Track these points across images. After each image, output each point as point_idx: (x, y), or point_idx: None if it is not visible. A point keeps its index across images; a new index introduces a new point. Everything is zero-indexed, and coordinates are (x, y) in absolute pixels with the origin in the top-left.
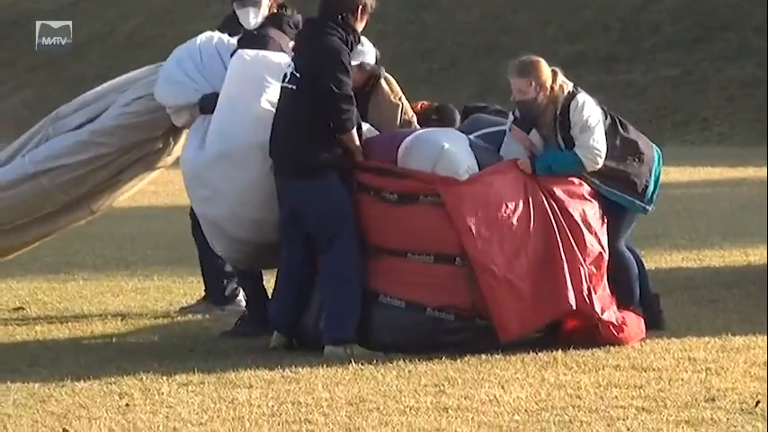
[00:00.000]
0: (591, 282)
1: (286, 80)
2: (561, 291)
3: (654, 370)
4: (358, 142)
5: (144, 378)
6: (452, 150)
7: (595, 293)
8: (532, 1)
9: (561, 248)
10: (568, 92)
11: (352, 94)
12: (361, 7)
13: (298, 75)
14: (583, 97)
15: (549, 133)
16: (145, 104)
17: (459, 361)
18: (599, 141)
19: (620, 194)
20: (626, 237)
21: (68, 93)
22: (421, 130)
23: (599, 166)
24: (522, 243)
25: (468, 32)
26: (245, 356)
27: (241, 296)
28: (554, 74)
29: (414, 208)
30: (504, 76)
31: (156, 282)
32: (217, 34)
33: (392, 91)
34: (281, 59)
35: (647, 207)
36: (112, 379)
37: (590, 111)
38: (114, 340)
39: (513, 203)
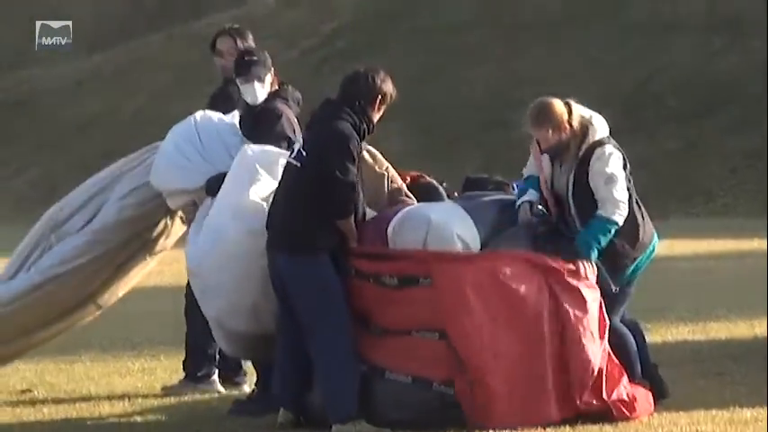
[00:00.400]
0: (601, 372)
1: (292, 155)
2: (545, 401)
3: None
4: (354, 228)
5: None
6: (440, 221)
7: (605, 382)
8: (536, 76)
9: (565, 341)
10: (596, 140)
11: (356, 181)
12: (380, 97)
13: (304, 153)
14: (611, 149)
15: (570, 165)
16: (143, 194)
17: None
18: (622, 193)
19: (599, 266)
20: (621, 312)
21: (73, 172)
22: (408, 206)
23: (623, 219)
24: (513, 333)
25: (473, 108)
26: None
27: (215, 378)
28: (569, 108)
29: (415, 290)
30: (508, 151)
31: (162, 362)
32: (216, 114)
33: (376, 162)
34: (280, 157)
35: (614, 287)
36: None
37: (615, 164)
38: (122, 421)
39: (513, 291)
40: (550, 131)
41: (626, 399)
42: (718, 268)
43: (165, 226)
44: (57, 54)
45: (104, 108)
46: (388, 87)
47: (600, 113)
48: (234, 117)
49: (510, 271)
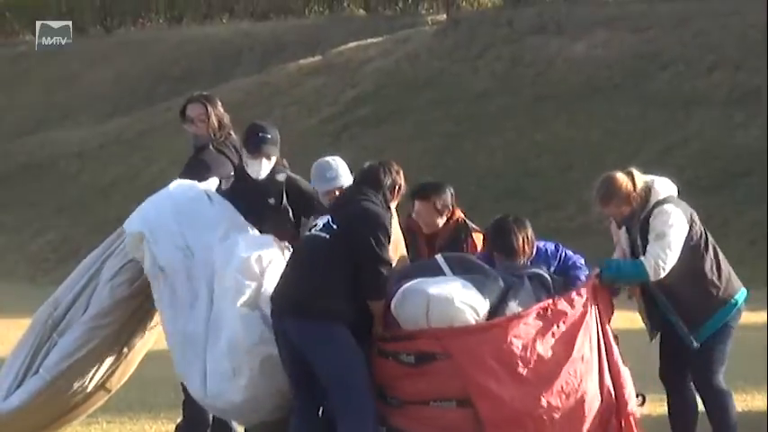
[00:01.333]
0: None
1: (316, 228)
2: None
3: None
4: (383, 312)
5: None
6: (440, 295)
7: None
8: (555, 146)
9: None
10: (657, 200)
11: (389, 261)
12: (397, 188)
13: (335, 226)
14: (669, 208)
15: (637, 230)
16: (132, 270)
17: None
18: (667, 252)
19: (676, 319)
20: (721, 371)
21: (93, 235)
22: (406, 283)
23: (661, 276)
24: (539, 394)
25: (492, 176)
26: None
27: None
28: (631, 179)
29: (432, 366)
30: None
31: None
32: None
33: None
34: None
35: (695, 343)
36: None
37: (670, 221)
38: None
39: (531, 350)
40: (619, 206)
41: None
42: (737, 339)
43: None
44: (79, 118)
45: (125, 172)
46: (402, 180)
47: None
48: (209, 184)
49: (524, 330)
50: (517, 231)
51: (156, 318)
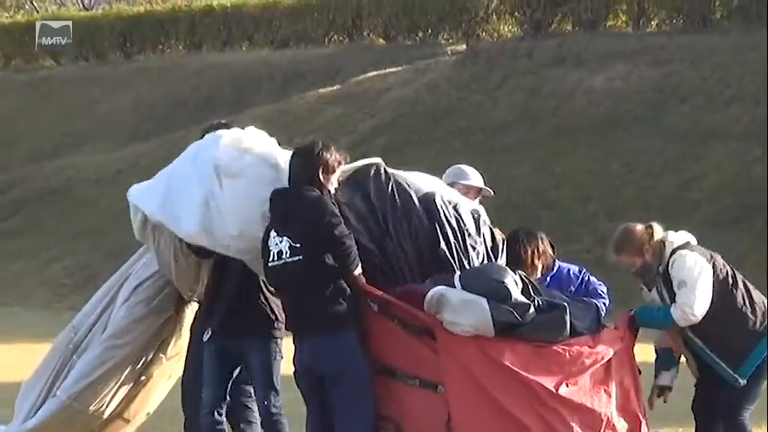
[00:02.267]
0: None
1: (284, 256)
2: None
3: None
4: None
5: None
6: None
7: None
8: (574, 178)
9: None
10: (672, 249)
11: (349, 231)
12: (324, 167)
13: (298, 245)
14: (684, 253)
15: (659, 290)
16: (149, 290)
17: None
18: (693, 298)
19: (717, 361)
20: (749, 410)
21: (110, 260)
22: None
23: (691, 323)
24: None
25: (509, 207)
26: None
27: None
28: (650, 232)
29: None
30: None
31: None
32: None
33: None
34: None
35: (740, 380)
36: None
37: (687, 265)
38: None
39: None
40: (631, 256)
41: None
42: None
43: (177, 325)
44: (97, 143)
45: None
46: (333, 155)
47: (637, 218)
48: None
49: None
50: (526, 243)
51: (179, 345)
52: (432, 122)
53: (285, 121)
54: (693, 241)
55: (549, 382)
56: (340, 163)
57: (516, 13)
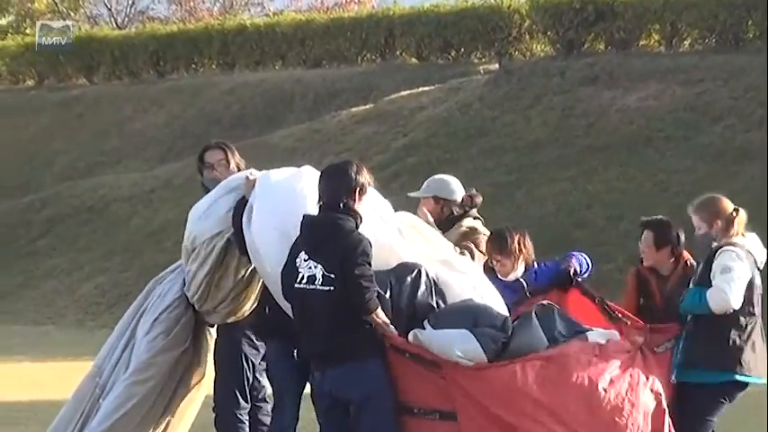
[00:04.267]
0: None
1: (317, 283)
2: None
3: None
4: (384, 317)
5: None
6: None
7: None
8: (606, 197)
9: None
10: (730, 241)
11: (372, 275)
12: (358, 189)
13: (332, 276)
14: (740, 253)
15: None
16: (167, 320)
17: None
18: (732, 287)
19: (677, 351)
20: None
21: (143, 278)
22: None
23: (725, 310)
24: None
25: (542, 226)
26: None
27: None
28: (732, 215)
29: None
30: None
31: None
32: None
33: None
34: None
35: (673, 375)
36: None
37: (736, 259)
38: None
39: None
40: (702, 220)
41: None
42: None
43: (196, 352)
44: (130, 162)
45: (176, 217)
46: (365, 177)
47: None
48: None
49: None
50: (513, 233)
51: (200, 372)
52: (464, 141)
53: (317, 140)
54: (761, 258)
55: (558, 396)
56: (370, 184)
57: (549, 33)
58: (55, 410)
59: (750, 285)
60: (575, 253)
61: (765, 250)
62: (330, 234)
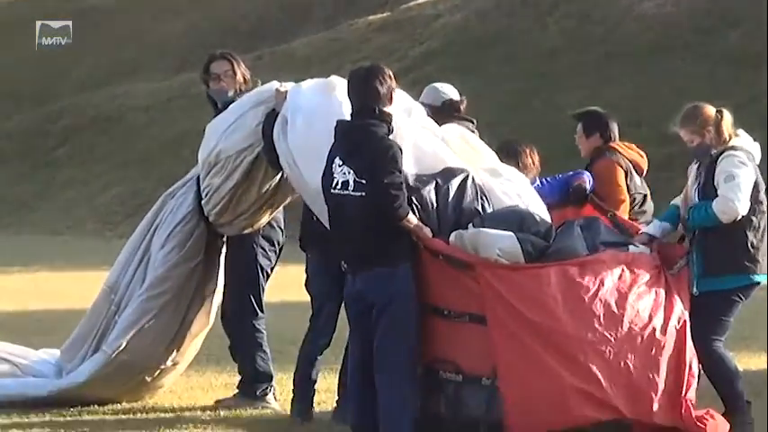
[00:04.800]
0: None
1: (349, 188)
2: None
3: None
4: (416, 221)
5: None
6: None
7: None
8: (624, 104)
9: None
10: (732, 146)
11: (402, 182)
12: (389, 93)
13: (363, 181)
14: (741, 157)
15: (698, 173)
16: (181, 233)
17: None
18: (738, 194)
19: (692, 263)
20: (723, 339)
21: (161, 188)
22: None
23: (733, 218)
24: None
25: (561, 133)
26: None
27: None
28: (719, 116)
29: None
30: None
31: None
32: None
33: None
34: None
35: (695, 287)
36: None
37: (738, 164)
38: None
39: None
40: (691, 132)
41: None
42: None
43: (209, 265)
44: (148, 72)
45: (192, 125)
46: (394, 83)
47: (685, 145)
48: None
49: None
50: (522, 146)
51: (213, 282)
52: (481, 49)
53: (335, 49)
54: (757, 155)
55: (587, 303)
56: (395, 89)
57: None
58: (74, 319)
59: (755, 185)
60: (582, 171)
61: (758, 144)
62: (362, 140)
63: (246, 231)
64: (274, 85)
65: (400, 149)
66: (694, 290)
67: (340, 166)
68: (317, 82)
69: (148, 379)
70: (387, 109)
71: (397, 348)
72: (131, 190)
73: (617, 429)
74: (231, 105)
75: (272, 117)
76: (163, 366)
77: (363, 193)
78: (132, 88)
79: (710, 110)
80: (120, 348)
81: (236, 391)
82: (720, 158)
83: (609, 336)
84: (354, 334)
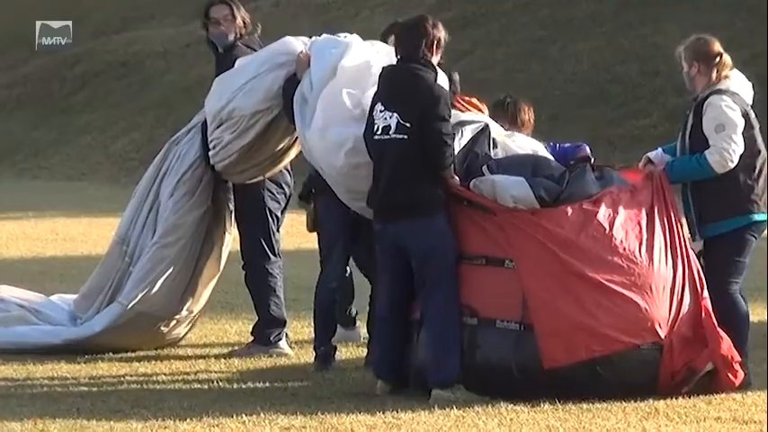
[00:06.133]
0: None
1: (391, 132)
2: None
3: (755, 423)
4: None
5: (246, 421)
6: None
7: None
8: (641, 52)
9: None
10: (719, 88)
11: (453, 132)
12: (436, 42)
13: (408, 124)
14: (725, 98)
15: (690, 116)
16: (191, 180)
17: (560, 410)
18: (731, 143)
19: (691, 214)
20: (739, 282)
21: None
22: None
23: (728, 169)
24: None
25: (577, 82)
26: (348, 402)
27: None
28: (718, 56)
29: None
30: (610, 127)
31: None
32: None
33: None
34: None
35: (697, 236)
36: (215, 421)
37: (726, 111)
38: (217, 383)
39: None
40: (691, 61)
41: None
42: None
43: (218, 211)
44: (164, 17)
45: (210, 72)
46: (441, 32)
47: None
48: None
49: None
50: (518, 101)
51: (223, 228)
52: None
53: None
54: (749, 95)
55: (605, 236)
56: (445, 39)
57: None
58: (89, 266)
59: (748, 126)
60: (581, 143)
61: (750, 84)
62: (409, 83)
63: (254, 180)
64: (290, 44)
65: (450, 96)
66: (697, 237)
67: (381, 111)
68: (332, 41)
69: (164, 329)
70: (433, 59)
71: (440, 298)
72: (147, 136)
73: (649, 353)
74: (244, 61)
75: (292, 81)
76: (178, 316)
77: (406, 136)
78: (149, 34)
79: (715, 46)
80: (137, 299)
81: (251, 338)
82: (706, 103)
83: (634, 260)
84: (384, 277)
